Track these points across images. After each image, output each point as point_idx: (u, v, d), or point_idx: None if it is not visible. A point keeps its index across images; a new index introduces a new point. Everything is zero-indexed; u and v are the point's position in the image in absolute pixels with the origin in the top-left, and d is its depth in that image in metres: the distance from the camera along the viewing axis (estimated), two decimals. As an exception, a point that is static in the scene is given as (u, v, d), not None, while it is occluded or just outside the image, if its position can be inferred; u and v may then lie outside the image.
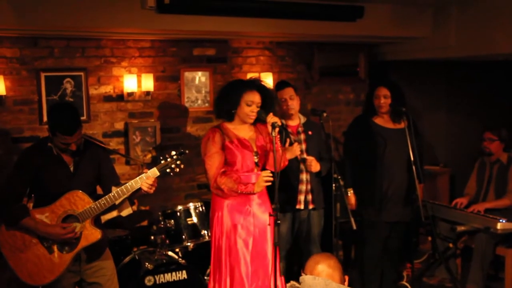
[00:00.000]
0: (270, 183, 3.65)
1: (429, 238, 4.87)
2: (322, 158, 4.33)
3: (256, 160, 3.79)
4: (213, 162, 3.71)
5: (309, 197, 4.30)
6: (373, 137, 4.43)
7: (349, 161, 4.53)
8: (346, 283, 2.47)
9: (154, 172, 3.28)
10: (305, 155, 4.25)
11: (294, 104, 4.29)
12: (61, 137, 3.21)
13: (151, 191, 3.30)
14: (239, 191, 3.68)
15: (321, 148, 4.40)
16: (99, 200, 3.28)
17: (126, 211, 3.43)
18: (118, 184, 3.37)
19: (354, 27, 5.20)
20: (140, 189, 3.28)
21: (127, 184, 3.28)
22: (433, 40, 5.58)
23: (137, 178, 3.28)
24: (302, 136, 4.33)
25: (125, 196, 3.29)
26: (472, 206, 4.84)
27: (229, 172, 3.74)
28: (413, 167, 4.24)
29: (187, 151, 3.36)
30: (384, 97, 4.39)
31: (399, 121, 4.44)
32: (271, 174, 3.65)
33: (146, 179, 3.25)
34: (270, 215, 3.63)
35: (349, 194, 4.44)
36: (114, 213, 3.56)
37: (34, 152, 3.36)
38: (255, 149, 3.79)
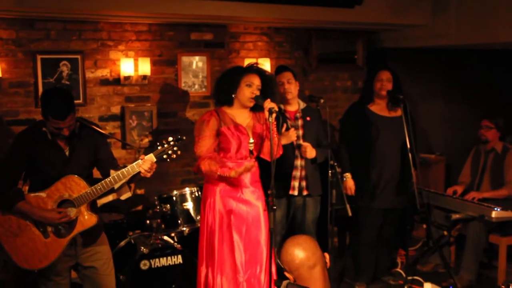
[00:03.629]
0: (248, 172, 3.67)
1: (424, 226, 4.89)
2: (320, 144, 4.33)
3: (251, 148, 3.79)
4: (203, 144, 3.71)
5: (304, 183, 4.31)
6: (368, 125, 4.44)
7: (344, 147, 4.54)
8: (328, 261, 2.45)
9: (150, 157, 3.28)
10: (301, 141, 4.25)
11: (291, 88, 4.28)
12: (53, 122, 3.19)
13: (149, 175, 3.30)
14: (218, 173, 3.65)
15: (320, 134, 4.40)
16: (95, 186, 3.27)
17: (126, 195, 3.43)
18: (117, 167, 3.36)
19: (352, 14, 5.18)
20: (138, 173, 3.28)
21: (125, 168, 3.27)
22: (432, 28, 5.55)
23: (135, 163, 3.27)
24: (300, 122, 4.32)
25: (124, 180, 3.28)
26: (470, 193, 4.85)
27: (218, 156, 3.74)
28: (409, 155, 4.25)
29: (184, 138, 3.36)
30: (387, 81, 4.41)
31: (396, 109, 4.45)
32: (254, 166, 3.66)
33: (144, 163, 3.25)
34: (266, 200, 3.64)
35: (346, 179, 4.46)
36: (110, 197, 3.57)
37: (28, 136, 3.34)
38: (251, 137, 3.78)
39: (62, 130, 3.22)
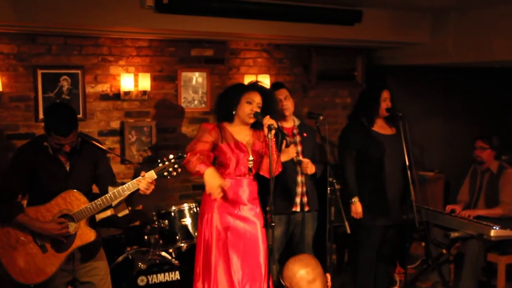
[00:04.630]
0: (213, 192, 3.55)
1: (423, 244, 4.87)
2: (315, 160, 4.34)
3: (250, 166, 3.79)
4: (198, 145, 3.69)
5: (305, 199, 4.30)
6: (374, 144, 4.41)
7: (351, 169, 4.44)
8: (329, 282, 2.47)
9: (151, 174, 3.28)
10: (301, 157, 4.25)
11: (288, 104, 4.31)
12: (56, 138, 3.19)
13: (148, 192, 3.30)
14: (196, 169, 3.57)
15: (315, 150, 4.40)
16: (95, 201, 3.27)
17: (123, 212, 3.43)
18: (115, 184, 3.37)
19: (352, 31, 5.22)
20: (137, 190, 3.28)
21: (124, 185, 3.28)
22: (431, 46, 5.59)
23: (135, 180, 3.28)
24: (298, 138, 4.33)
25: (122, 197, 3.28)
26: (464, 211, 4.86)
27: (209, 159, 3.71)
28: (408, 172, 4.25)
29: (185, 155, 3.37)
30: (389, 100, 4.41)
31: (395, 126, 4.45)
32: (225, 188, 3.60)
33: (142, 181, 3.25)
34: (264, 217, 3.63)
35: (354, 203, 4.39)
36: (108, 212, 3.56)
37: (29, 150, 3.34)
38: (250, 154, 3.79)
39: (63, 146, 3.23)
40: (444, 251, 4.91)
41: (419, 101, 6.41)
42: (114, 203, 3.32)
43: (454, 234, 4.71)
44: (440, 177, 6.35)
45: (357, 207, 4.38)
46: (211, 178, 3.56)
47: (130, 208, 4.25)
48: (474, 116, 6.54)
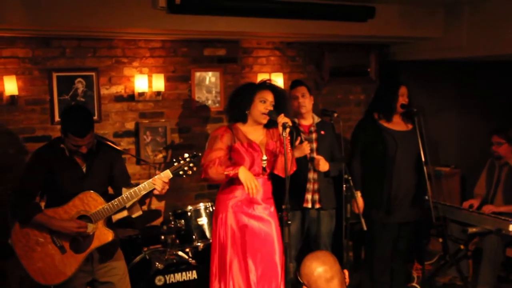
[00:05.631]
0: (248, 189, 3.61)
1: (440, 240, 4.85)
2: (334, 158, 4.33)
3: (264, 165, 3.79)
4: (212, 154, 3.70)
5: (316, 196, 4.31)
6: (382, 140, 4.40)
7: (358, 163, 4.49)
8: (347, 278, 2.47)
9: (167, 174, 3.31)
10: (314, 154, 4.25)
11: (305, 102, 4.31)
12: (73, 139, 3.22)
13: (163, 192, 3.32)
14: (225, 173, 3.63)
15: (334, 148, 4.40)
16: (112, 201, 3.30)
17: (137, 213, 3.46)
18: (129, 185, 3.39)
19: (365, 28, 5.19)
20: (152, 191, 3.30)
21: (138, 186, 3.30)
22: (444, 40, 5.55)
23: (149, 180, 3.30)
24: (314, 136, 4.33)
25: (137, 198, 3.31)
26: (487, 206, 4.81)
27: (228, 162, 3.73)
28: (424, 168, 4.23)
29: (200, 154, 3.39)
30: (407, 96, 4.38)
31: (410, 122, 4.43)
32: (257, 187, 3.63)
33: (156, 181, 3.27)
34: (280, 215, 3.63)
35: (356, 197, 4.40)
36: (124, 213, 3.59)
37: (46, 152, 3.38)
38: (264, 154, 3.79)
39: (80, 148, 3.26)
40: (462, 246, 4.88)
41: (433, 96, 6.37)
42: (128, 205, 3.34)
43: (472, 230, 4.69)
44: (456, 172, 6.31)
45: (358, 201, 4.34)
46: (248, 174, 3.62)
47: (145, 208, 4.29)
48: (489, 110, 6.48)
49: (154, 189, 3.31)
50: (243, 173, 3.62)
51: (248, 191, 3.61)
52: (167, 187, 3.33)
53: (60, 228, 3.30)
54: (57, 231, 3.31)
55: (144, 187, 3.29)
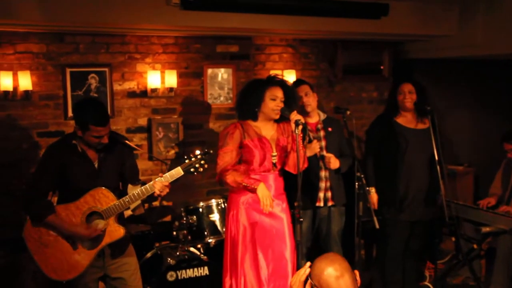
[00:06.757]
0: (263, 206, 3.65)
1: (453, 239, 4.81)
2: (342, 154, 4.32)
3: (274, 161, 3.78)
4: (225, 156, 3.71)
5: (329, 194, 4.29)
6: (395, 137, 4.39)
7: (370, 160, 4.49)
8: (358, 278, 2.47)
9: (178, 171, 3.31)
10: (324, 152, 4.24)
11: (310, 100, 4.29)
12: (95, 130, 3.23)
13: (162, 194, 3.33)
14: (243, 184, 3.66)
15: (342, 144, 4.38)
16: (123, 198, 3.31)
17: (138, 210, 3.49)
18: (136, 183, 3.39)
19: (378, 25, 5.16)
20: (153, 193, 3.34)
21: (140, 188, 3.31)
22: (459, 38, 5.50)
23: (150, 183, 3.31)
24: (322, 133, 4.32)
25: (143, 197, 3.32)
26: (504, 207, 4.77)
27: (241, 168, 3.74)
28: (438, 167, 4.20)
29: (211, 151, 3.39)
30: (409, 93, 4.36)
31: (423, 121, 4.40)
32: (271, 205, 3.66)
33: (157, 183, 3.28)
34: (292, 213, 3.63)
35: (370, 193, 4.40)
36: (128, 212, 3.62)
37: (59, 148, 3.38)
38: (274, 150, 3.78)
39: (102, 138, 3.27)
40: (475, 246, 4.84)
41: (447, 95, 6.31)
42: (132, 207, 3.36)
43: (486, 229, 4.63)
44: (469, 171, 6.26)
45: (372, 197, 4.36)
46: (265, 192, 3.65)
47: (156, 204, 4.32)
48: (504, 109, 6.41)
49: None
50: (261, 190, 3.65)
51: (263, 207, 3.65)
52: (167, 190, 3.33)
53: (71, 233, 3.32)
54: None
55: (146, 189, 3.30)
